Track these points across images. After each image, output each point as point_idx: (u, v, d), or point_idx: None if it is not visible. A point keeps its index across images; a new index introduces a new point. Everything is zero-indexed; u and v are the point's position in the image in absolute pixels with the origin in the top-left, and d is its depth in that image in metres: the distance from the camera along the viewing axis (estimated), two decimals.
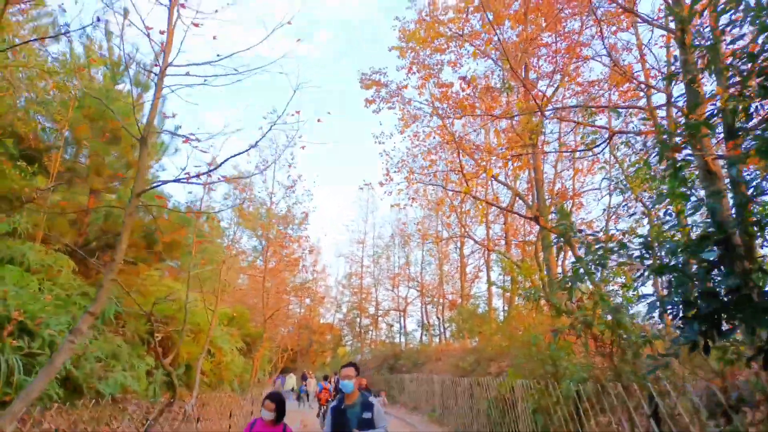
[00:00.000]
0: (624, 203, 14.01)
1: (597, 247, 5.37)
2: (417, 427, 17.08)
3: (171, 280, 14.01)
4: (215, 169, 6.16)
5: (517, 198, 17.58)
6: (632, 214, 13.03)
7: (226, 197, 33.39)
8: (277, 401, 4.97)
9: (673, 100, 7.90)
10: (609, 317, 5.89)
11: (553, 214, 12.03)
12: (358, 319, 39.05)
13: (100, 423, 7.93)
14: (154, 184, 6.49)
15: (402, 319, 35.13)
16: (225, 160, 6.01)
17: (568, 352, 7.53)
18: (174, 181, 6.54)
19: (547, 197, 13.76)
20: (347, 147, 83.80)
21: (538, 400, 7.66)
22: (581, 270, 5.60)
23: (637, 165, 12.39)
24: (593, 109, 11.39)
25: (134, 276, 12.54)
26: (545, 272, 14.04)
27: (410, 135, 15.94)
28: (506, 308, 23.75)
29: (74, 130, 9.91)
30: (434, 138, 14.72)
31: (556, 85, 14.34)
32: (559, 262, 15.51)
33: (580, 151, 13.14)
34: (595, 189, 16.67)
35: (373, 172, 75.62)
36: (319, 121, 8.23)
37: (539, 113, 11.24)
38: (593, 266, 5.39)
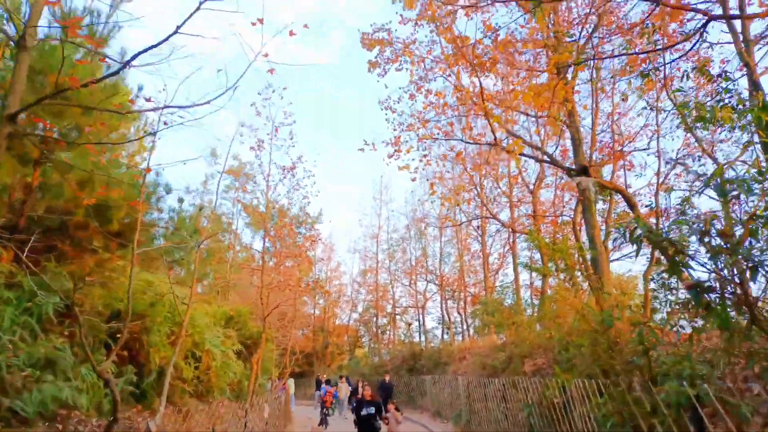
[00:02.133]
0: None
1: None
2: None
3: (148, 274, 12.00)
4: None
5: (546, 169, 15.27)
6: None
7: (227, 189, 31.50)
8: None
9: None
10: None
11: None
12: (374, 319, 36.84)
13: None
14: (45, 97, 4.40)
15: (421, 316, 32.83)
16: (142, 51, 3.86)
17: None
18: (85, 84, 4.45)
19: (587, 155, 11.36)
20: (354, 144, 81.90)
21: (612, 406, 5.39)
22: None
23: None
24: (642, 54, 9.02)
25: (101, 267, 10.54)
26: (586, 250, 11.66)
27: (423, 100, 13.64)
28: (533, 300, 21.33)
29: None
30: (449, 98, 12.47)
31: (592, 27, 11.98)
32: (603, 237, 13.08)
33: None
34: (643, 149, 14.21)
35: (382, 168, 73.46)
36: (292, 34, 6.02)
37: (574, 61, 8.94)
38: None
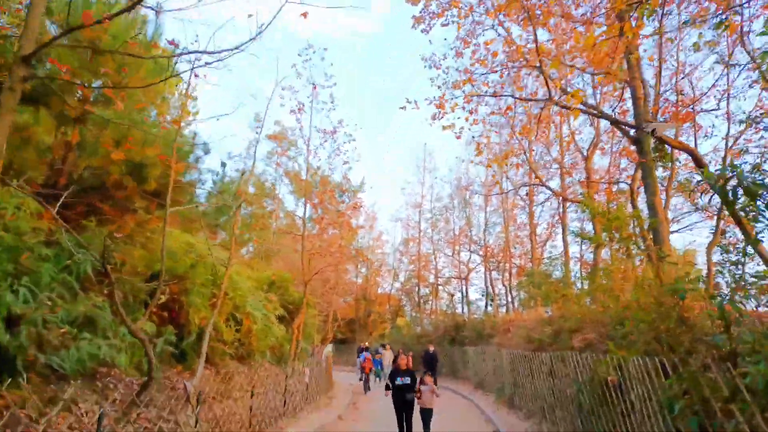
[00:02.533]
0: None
1: None
2: (485, 412, 14.47)
3: (189, 236, 11.99)
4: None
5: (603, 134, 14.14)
6: None
7: (269, 155, 31.57)
8: None
9: None
10: None
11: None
12: (416, 289, 36.60)
13: (53, 404, 5.84)
14: (57, 36, 4.08)
15: (464, 287, 32.30)
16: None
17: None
18: (97, 23, 4.11)
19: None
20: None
21: (680, 388, 4.77)
22: None
23: None
24: None
25: (141, 227, 10.55)
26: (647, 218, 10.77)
27: (470, 57, 12.78)
28: (582, 274, 20.39)
29: None
30: (500, 53, 11.57)
31: None
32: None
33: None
34: (712, 110, 12.90)
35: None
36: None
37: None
38: None
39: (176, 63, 9.13)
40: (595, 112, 10.25)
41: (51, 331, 6.44)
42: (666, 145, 11.24)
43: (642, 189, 11.68)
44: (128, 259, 9.36)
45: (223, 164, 19.71)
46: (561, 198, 18.05)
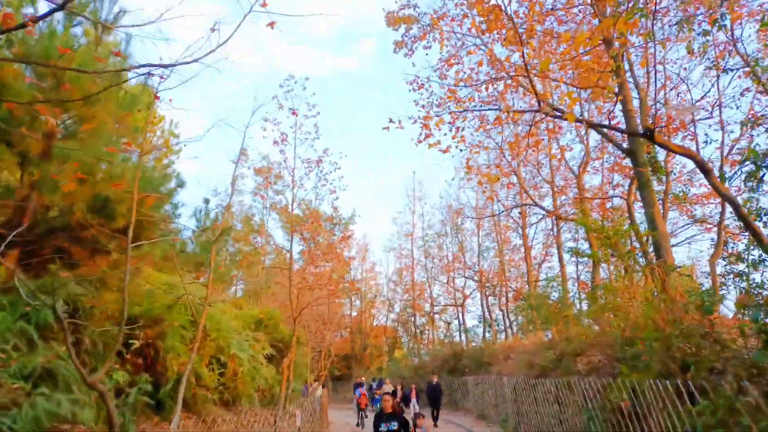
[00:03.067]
0: None
1: None
2: None
3: (166, 275, 11.35)
4: None
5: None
6: None
7: (257, 189, 31.11)
8: None
9: None
10: None
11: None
12: (412, 319, 35.75)
13: None
14: None
15: (460, 315, 31.52)
16: None
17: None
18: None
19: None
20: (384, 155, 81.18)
21: (712, 415, 4.18)
22: None
23: None
24: None
25: (115, 269, 9.91)
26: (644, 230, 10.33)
27: (453, 77, 12.49)
28: (580, 294, 19.86)
29: None
30: (482, 73, 11.30)
31: None
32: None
33: None
34: (705, 118, 12.61)
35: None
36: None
37: None
38: None
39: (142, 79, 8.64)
40: (588, 120, 9.93)
41: (2, 388, 5.76)
42: (658, 157, 10.91)
43: (638, 203, 11.26)
44: (99, 303, 8.70)
45: (206, 200, 19.16)
46: (554, 217, 17.63)
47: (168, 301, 9.73)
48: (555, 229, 19.04)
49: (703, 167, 6.55)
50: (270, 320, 16.68)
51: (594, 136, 16.41)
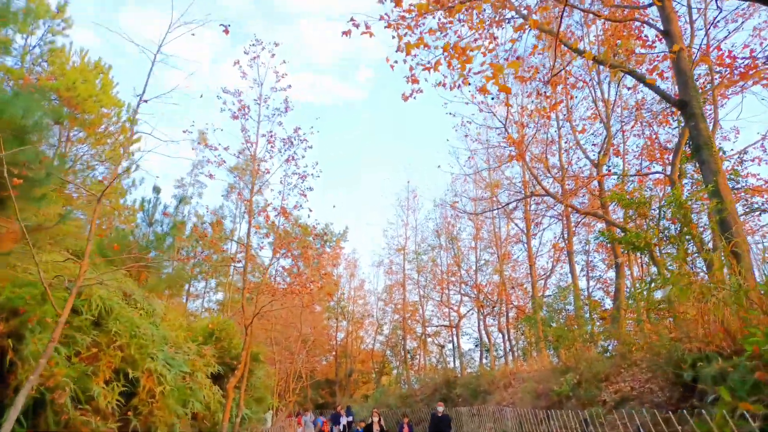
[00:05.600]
0: None
1: None
2: None
3: (58, 254, 8.55)
4: None
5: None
6: None
7: (229, 189, 28.51)
8: None
9: None
10: None
11: None
12: (402, 342, 32.59)
13: None
14: None
15: (455, 337, 28.39)
16: None
17: None
18: None
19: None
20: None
21: None
22: None
23: None
24: None
25: None
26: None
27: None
28: (592, 316, 16.99)
29: None
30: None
31: None
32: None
33: None
34: None
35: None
36: None
37: None
38: None
39: None
40: (614, 63, 7.43)
41: None
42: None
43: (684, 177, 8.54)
44: None
45: (157, 189, 16.48)
46: (565, 218, 14.84)
47: (39, 289, 6.90)
48: (566, 232, 16.27)
49: None
50: (222, 332, 13.77)
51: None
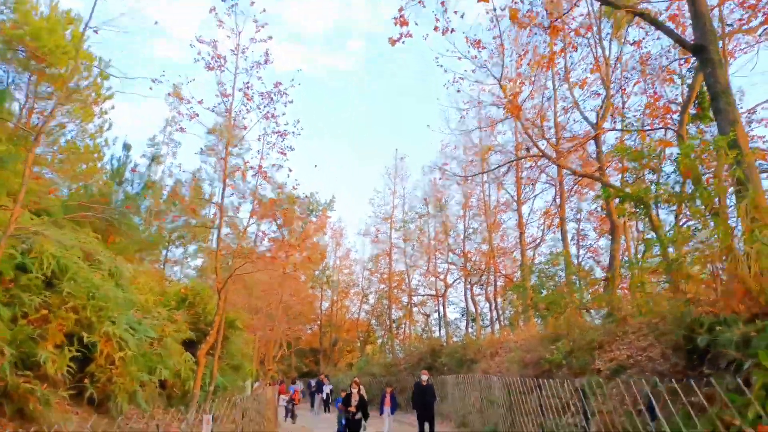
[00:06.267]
0: None
1: None
2: None
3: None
4: None
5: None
6: None
7: (206, 151, 27.30)
8: None
9: None
10: None
11: None
12: (388, 311, 32.19)
13: None
14: None
15: (441, 307, 28.01)
16: None
17: None
18: None
19: None
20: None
21: None
22: None
23: None
24: None
25: None
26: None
27: None
28: (580, 284, 16.52)
29: None
30: None
31: None
32: None
33: None
34: None
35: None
36: None
37: None
38: None
39: None
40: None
41: None
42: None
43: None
44: None
45: (127, 146, 15.48)
46: (559, 179, 14.16)
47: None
48: (558, 198, 15.63)
49: None
50: (196, 297, 13.03)
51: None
